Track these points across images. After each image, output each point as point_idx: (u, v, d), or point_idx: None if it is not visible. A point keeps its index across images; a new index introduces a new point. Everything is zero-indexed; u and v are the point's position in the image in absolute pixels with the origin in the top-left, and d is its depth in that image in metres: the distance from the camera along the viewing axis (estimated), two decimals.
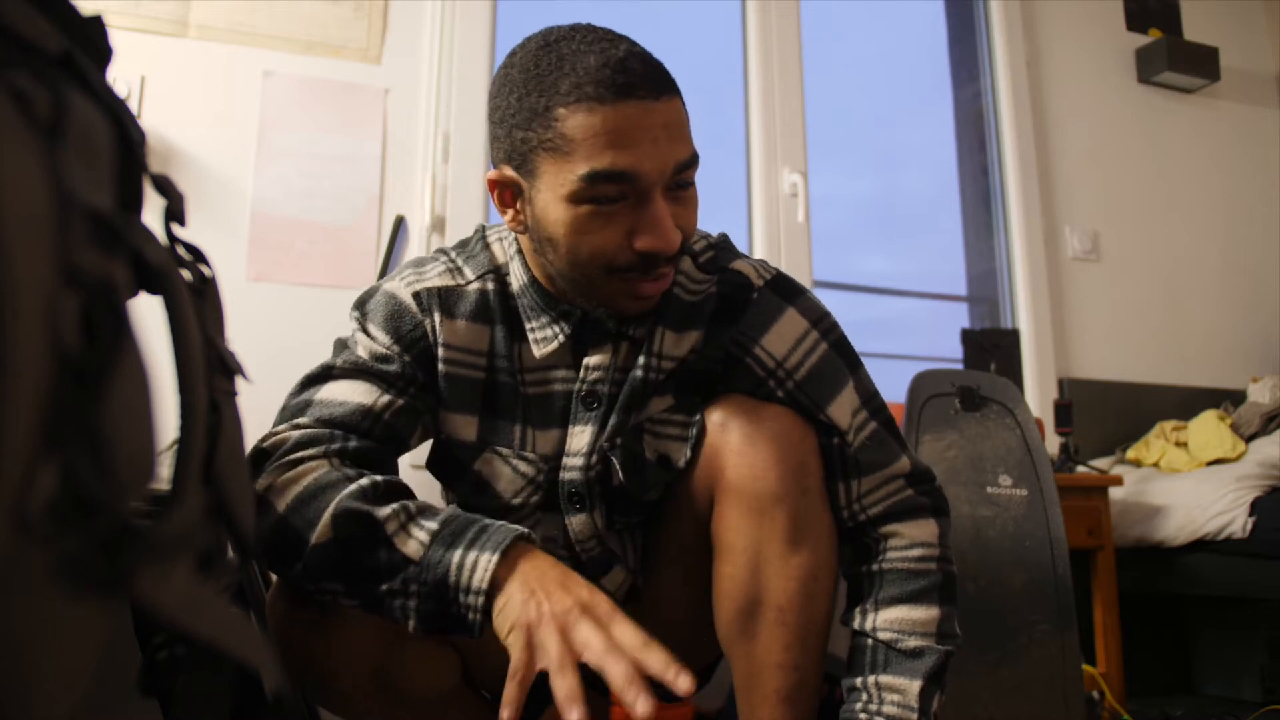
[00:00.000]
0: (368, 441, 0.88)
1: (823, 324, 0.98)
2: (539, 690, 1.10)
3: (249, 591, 1.35)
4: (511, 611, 0.73)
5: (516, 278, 0.95)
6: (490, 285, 0.96)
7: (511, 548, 0.76)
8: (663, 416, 0.96)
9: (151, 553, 0.30)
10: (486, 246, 0.99)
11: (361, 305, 0.97)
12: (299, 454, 0.83)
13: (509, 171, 0.86)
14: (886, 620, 0.93)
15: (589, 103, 0.78)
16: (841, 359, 0.98)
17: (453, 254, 0.99)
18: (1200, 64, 2.94)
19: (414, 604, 0.77)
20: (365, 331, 0.94)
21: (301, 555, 0.78)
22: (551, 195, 0.82)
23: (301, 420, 0.87)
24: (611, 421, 0.94)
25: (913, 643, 0.91)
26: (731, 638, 0.94)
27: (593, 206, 0.81)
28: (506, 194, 0.88)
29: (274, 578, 0.90)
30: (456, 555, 0.76)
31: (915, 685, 0.89)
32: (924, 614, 0.92)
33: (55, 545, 0.27)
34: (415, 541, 0.77)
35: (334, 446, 0.85)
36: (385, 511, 0.78)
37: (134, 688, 0.42)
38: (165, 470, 0.33)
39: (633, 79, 0.78)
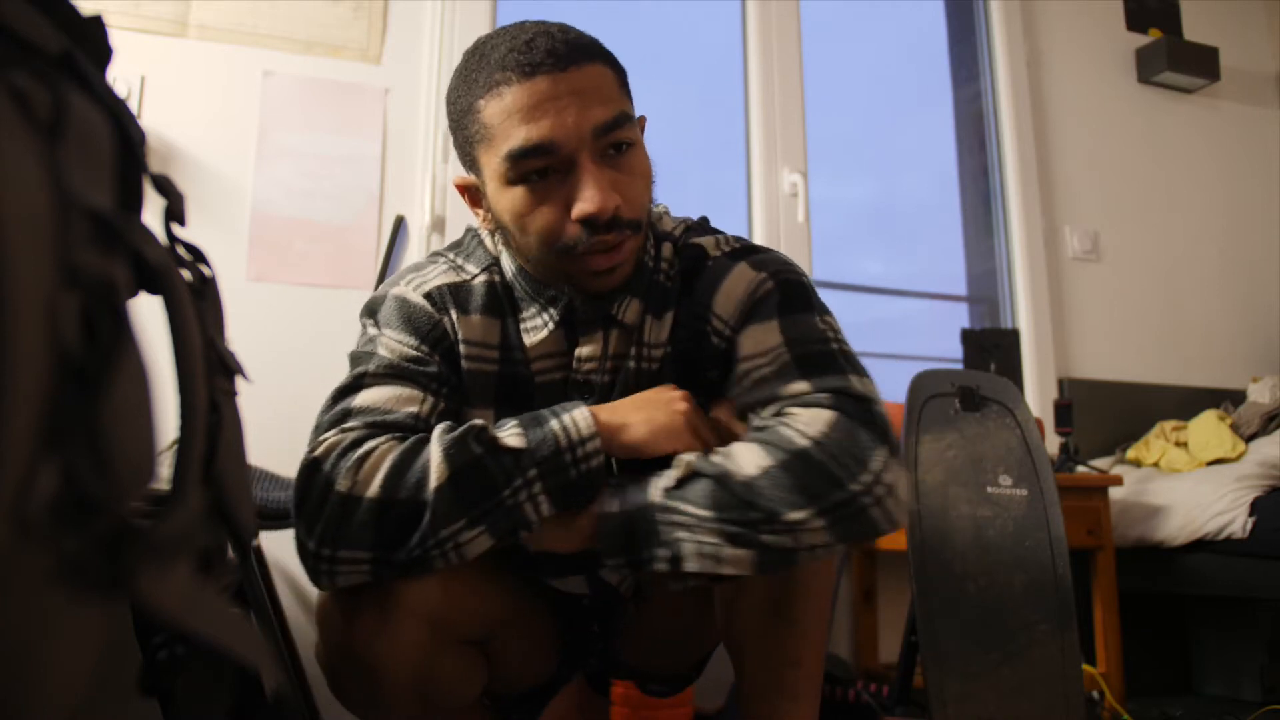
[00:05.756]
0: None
1: (780, 274, 0.93)
2: (540, 691, 1.10)
3: (249, 591, 1.34)
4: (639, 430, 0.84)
5: (507, 268, 0.96)
6: (495, 277, 0.96)
7: (582, 404, 0.85)
8: None
9: (151, 553, 0.30)
10: (481, 243, 0.99)
11: (373, 312, 0.95)
12: (365, 448, 0.81)
13: (467, 174, 0.91)
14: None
15: (498, 88, 0.82)
16: (780, 298, 0.91)
17: (450, 254, 1.00)
18: (1200, 64, 2.94)
19: (539, 487, 0.80)
20: (386, 336, 0.93)
21: (416, 525, 0.78)
22: (494, 185, 0.86)
23: (349, 425, 0.85)
24: None
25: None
26: (738, 636, 0.94)
27: (525, 186, 0.84)
28: (472, 196, 0.92)
29: (320, 594, 0.89)
30: (554, 424, 0.82)
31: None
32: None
33: (55, 545, 0.27)
34: (514, 436, 0.81)
35: (398, 435, 0.84)
36: (479, 423, 0.82)
37: (134, 688, 0.42)
38: (165, 470, 0.33)
39: (535, 56, 0.81)
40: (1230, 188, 3.02)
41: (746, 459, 0.79)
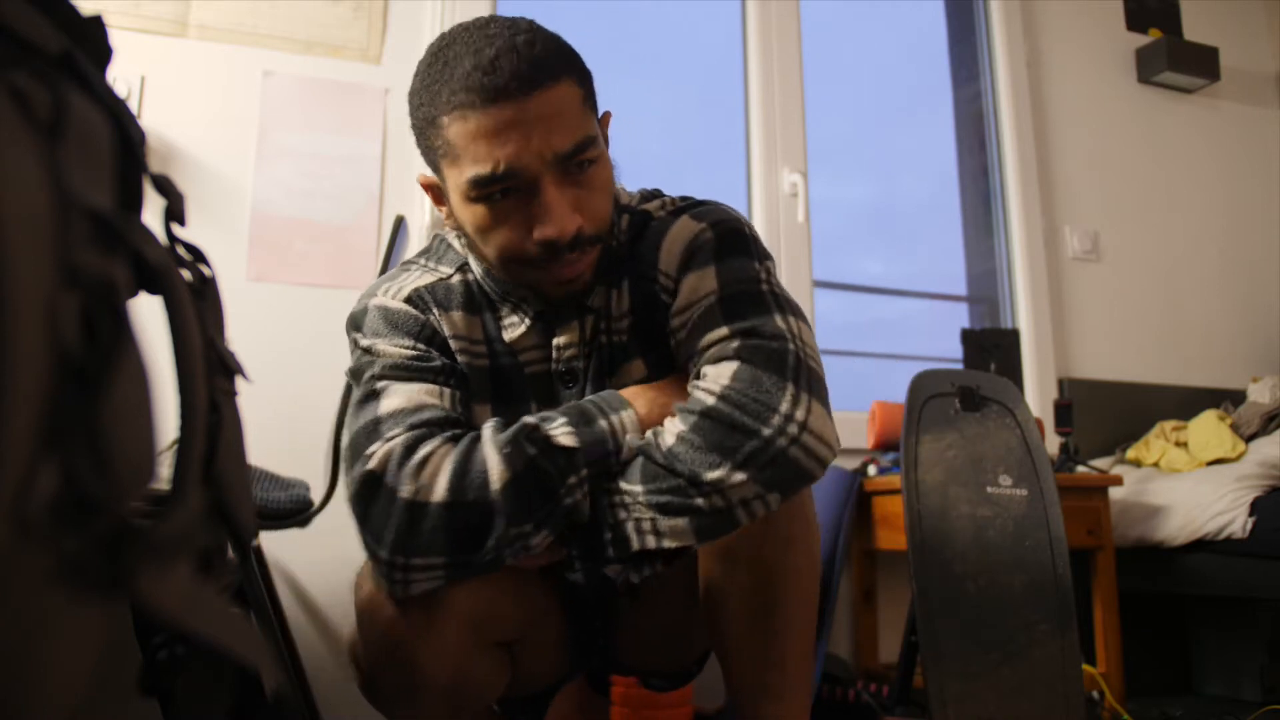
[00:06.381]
0: (463, 429, 0.87)
1: (721, 223, 0.92)
2: (551, 690, 1.10)
3: (249, 591, 1.34)
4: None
5: (476, 270, 0.97)
6: (470, 276, 0.97)
7: (626, 399, 0.87)
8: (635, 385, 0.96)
9: (151, 553, 0.30)
10: (450, 247, 1.00)
11: (358, 325, 0.96)
12: (421, 453, 0.81)
13: (430, 174, 0.91)
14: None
15: (462, 110, 0.81)
16: (717, 245, 0.91)
17: (421, 260, 1.01)
18: (1200, 64, 2.94)
19: (587, 487, 0.82)
20: (380, 344, 0.92)
21: (486, 526, 0.79)
22: (456, 197, 0.86)
23: (393, 431, 0.84)
24: (588, 394, 0.95)
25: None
26: (724, 637, 0.94)
27: (487, 205, 0.84)
28: (435, 195, 0.92)
29: (359, 594, 0.90)
30: (603, 424, 0.84)
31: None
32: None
33: (55, 545, 0.27)
34: (566, 435, 0.82)
35: (446, 434, 0.84)
36: (531, 421, 0.83)
37: (134, 688, 0.42)
38: (165, 470, 0.33)
39: (500, 79, 0.79)
40: (1230, 188, 3.02)
41: (668, 429, 0.82)
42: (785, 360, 0.81)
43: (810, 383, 0.81)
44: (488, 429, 0.83)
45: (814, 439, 0.79)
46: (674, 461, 0.78)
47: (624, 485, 0.81)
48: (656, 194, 1.03)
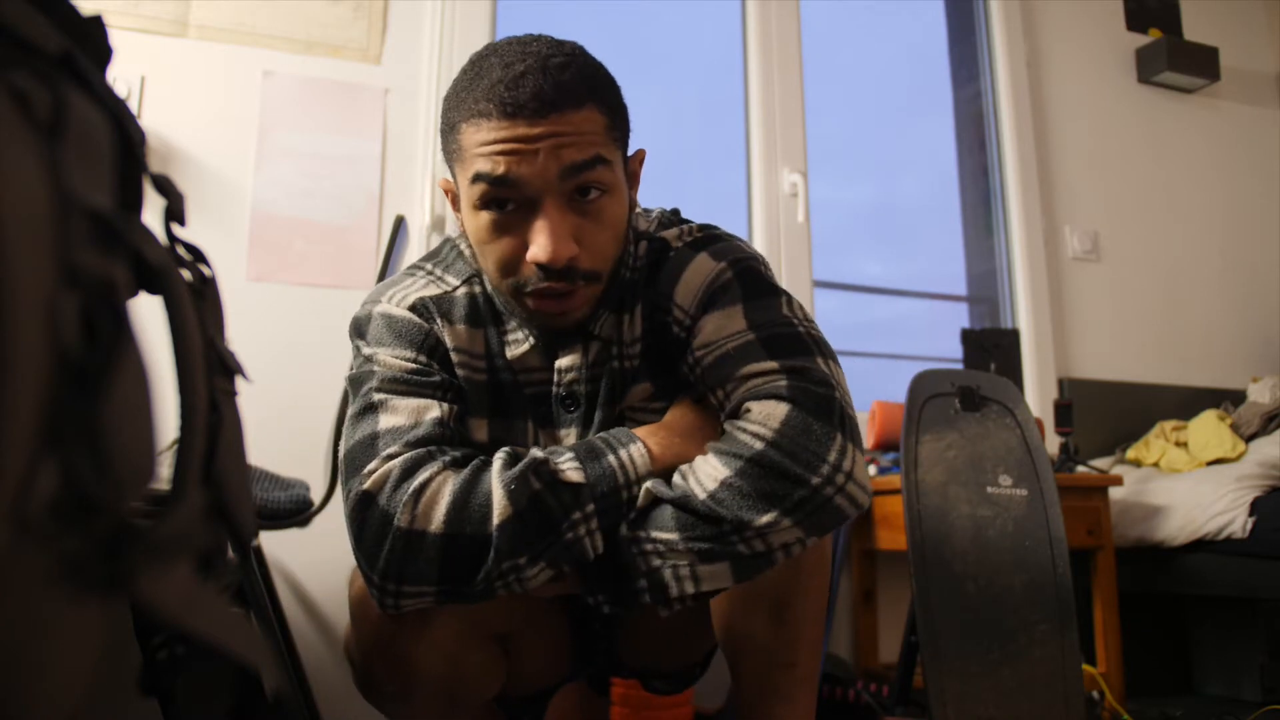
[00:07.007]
0: (460, 449, 0.87)
1: (740, 262, 0.93)
2: (541, 692, 1.10)
3: (249, 591, 1.34)
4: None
5: (488, 281, 0.96)
6: (476, 288, 0.97)
7: (637, 435, 0.86)
8: (642, 405, 0.96)
9: (151, 553, 0.30)
10: (460, 254, 0.99)
11: (361, 333, 0.95)
12: (419, 478, 0.81)
13: (451, 179, 0.91)
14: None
15: (478, 119, 0.82)
16: (741, 287, 0.91)
17: (428, 266, 1.00)
18: (1200, 64, 2.94)
19: (595, 523, 0.80)
20: (383, 354, 0.92)
21: (483, 559, 0.79)
22: (465, 203, 0.87)
23: (391, 450, 0.84)
24: (597, 418, 0.95)
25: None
26: (731, 637, 0.94)
27: (491, 215, 0.84)
28: (454, 200, 0.92)
29: (352, 588, 0.90)
30: (611, 460, 0.82)
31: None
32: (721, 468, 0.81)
33: (55, 545, 0.27)
34: (574, 470, 0.81)
35: (446, 459, 0.83)
36: (539, 456, 0.82)
37: (134, 688, 0.42)
38: (165, 470, 0.33)
39: (520, 98, 0.80)
40: (1230, 188, 3.02)
41: (705, 473, 0.80)
42: (832, 408, 0.82)
43: (853, 432, 0.83)
44: (497, 462, 0.82)
45: (856, 487, 0.81)
46: (717, 507, 0.78)
47: (656, 534, 0.80)
48: (676, 218, 1.02)
